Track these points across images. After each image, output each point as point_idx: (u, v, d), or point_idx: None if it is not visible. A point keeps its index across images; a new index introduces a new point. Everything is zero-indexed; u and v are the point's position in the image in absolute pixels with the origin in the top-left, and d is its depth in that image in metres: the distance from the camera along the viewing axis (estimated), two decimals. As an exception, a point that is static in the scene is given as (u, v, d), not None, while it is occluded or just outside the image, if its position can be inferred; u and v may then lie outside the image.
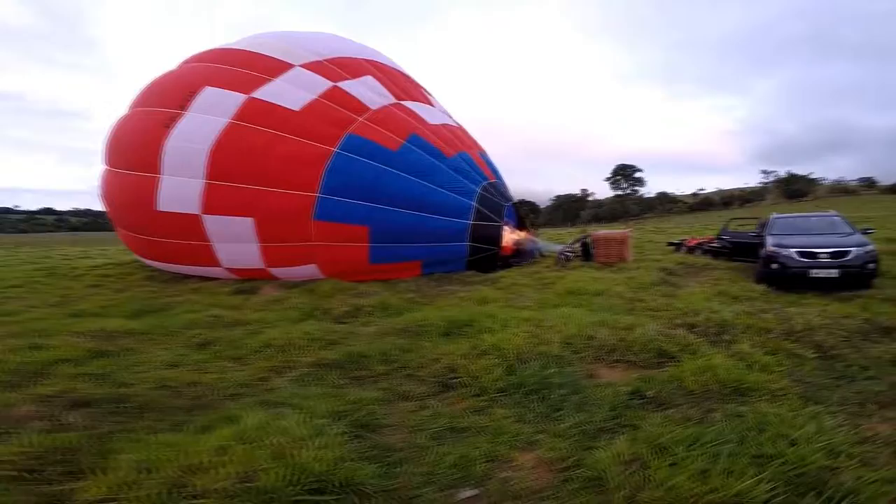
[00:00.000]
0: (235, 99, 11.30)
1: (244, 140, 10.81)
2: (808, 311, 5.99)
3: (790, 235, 9.15)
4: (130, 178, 11.61)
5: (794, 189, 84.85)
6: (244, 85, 11.52)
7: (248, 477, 2.60)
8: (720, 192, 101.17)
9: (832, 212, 10.51)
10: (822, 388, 4.02)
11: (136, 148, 11.74)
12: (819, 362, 4.59)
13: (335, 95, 11.75)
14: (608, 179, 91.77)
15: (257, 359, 5.26)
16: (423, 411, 3.82)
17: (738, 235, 12.32)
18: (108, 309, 8.45)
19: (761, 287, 8.12)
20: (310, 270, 10.71)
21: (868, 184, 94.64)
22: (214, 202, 10.68)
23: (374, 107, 12.00)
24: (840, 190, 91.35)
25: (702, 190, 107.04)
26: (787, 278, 8.27)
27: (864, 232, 9.06)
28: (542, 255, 14.50)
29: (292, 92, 11.54)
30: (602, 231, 13.40)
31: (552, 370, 4.31)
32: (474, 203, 11.80)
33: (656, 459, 2.79)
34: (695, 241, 14.43)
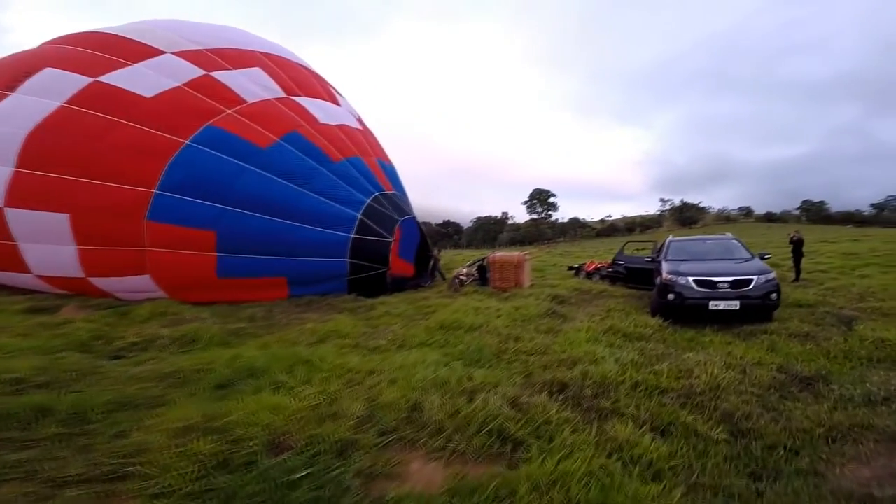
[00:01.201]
0: (76, 81, 8.81)
1: (74, 125, 8.30)
2: (711, 358, 4.46)
3: (687, 261, 7.83)
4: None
5: (687, 216, 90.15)
6: (92, 68, 9.06)
7: None
8: (624, 218, 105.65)
9: (728, 235, 9.32)
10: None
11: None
12: (729, 446, 2.96)
13: (203, 84, 9.45)
14: (525, 203, 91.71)
15: None
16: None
17: (633, 260, 10.97)
18: None
19: (656, 320, 6.61)
20: (142, 282, 8.14)
21: (746, 212, 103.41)
22: (22, 193, 8.02)
23: (251, 99, 9.79)
24: (724, 218, 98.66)
25: (609, 216, 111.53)
26: (685, 310, 6.88)
27: (762, 257, 7.90)
28: (444, 278, 12.78)
29: (151, 78, 9.14)
30: (499, 254, 11.71)
31: (312, 469, 2.36)
32: (359, 214, 9.77)
33: None
34: (593, 266, 13.10)
